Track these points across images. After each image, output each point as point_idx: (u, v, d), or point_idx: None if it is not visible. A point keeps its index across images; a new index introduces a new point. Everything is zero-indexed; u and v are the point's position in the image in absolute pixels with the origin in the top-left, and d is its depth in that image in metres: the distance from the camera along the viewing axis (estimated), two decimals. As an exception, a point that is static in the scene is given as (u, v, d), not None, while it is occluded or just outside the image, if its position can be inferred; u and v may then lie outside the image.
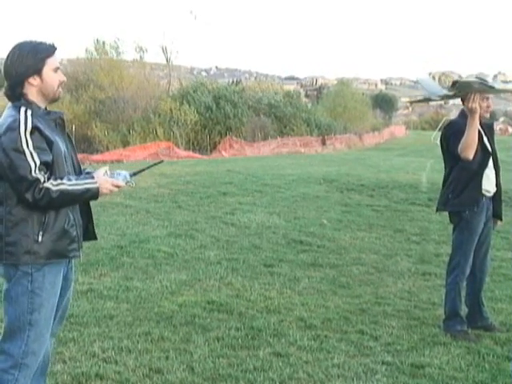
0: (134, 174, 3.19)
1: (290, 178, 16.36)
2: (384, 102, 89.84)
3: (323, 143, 39.64)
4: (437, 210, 5.31)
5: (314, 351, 4.57)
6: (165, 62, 49.21)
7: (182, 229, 8.81)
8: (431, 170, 20.82)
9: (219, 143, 34.78)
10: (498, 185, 5.12)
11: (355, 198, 12.92)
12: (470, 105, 4.68)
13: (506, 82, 5.58)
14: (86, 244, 7.42)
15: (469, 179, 4.94)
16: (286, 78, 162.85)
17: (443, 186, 5.16)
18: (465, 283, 5.14)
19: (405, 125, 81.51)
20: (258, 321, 5.14)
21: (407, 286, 6.49)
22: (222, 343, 4.62)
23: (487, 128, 5.13)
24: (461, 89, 4.82)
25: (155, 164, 3.50)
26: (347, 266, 7.24)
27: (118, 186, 3.09)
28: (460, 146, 4.79)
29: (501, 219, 5.24)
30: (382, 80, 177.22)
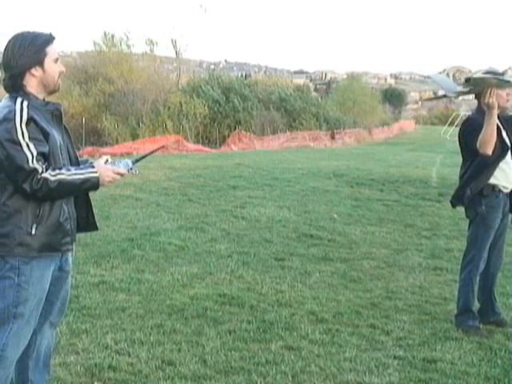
0: (136, 161, 3.15)
1: (299, 172, 16.35)
2: (393, 97, 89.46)
3: (332, 137, 39.53)
4: (453, 205, 5.27)
5: (325, 345, 4.57)
6: (174, 55, 49.18)
7: (192, 222, 8.83)
8: (441, 165, 20.76)
9: (228, 137, 34.75)
10: None
11: (365, 193, 12.90)
12: (486, 100, 4.65)
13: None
14: (97, 236, 7.49)
15: (484, 173, 4.91)
16: (296, 72, 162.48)
17: (460, 180, 5.12)
18: (478, 278, 5.13)
19: (414, 119, 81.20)
20: (270, 314, 5.14)
21: (418, 280, 6.48)
22: (234, 336, 4.63)
23: (505, 121, 5.09)
24: (475, 85, 4.81)
25: (156, 150, 3.60)
26: (358, 260, 7.23)
27: (120, 174, 3.03)
28: (478, 143, 4.76)
29: None
30: (391, 74, 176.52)
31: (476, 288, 5.05)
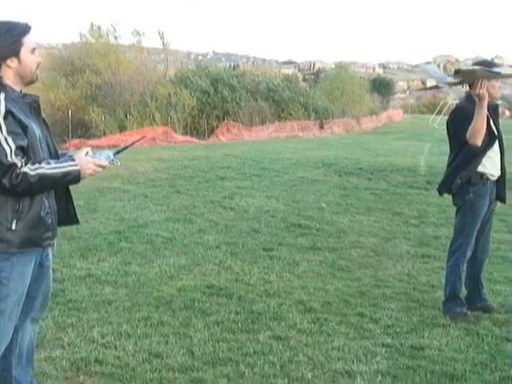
0: (117, 153, 3.10)
1: (288, 162, 16.34)
2: (382, 86, 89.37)
3: (321, 127, 39.50)
4: (440, 193, 5.28)
5: (313, 334, 4.56)
6: (162, 46, 48.90)
7: (180, 213, 8.79)
8: (429, 154, 20.81)
9: (217, 128, 34.65)
10: (502, 168, 5.09)
11: (354, 182, 12.91)
12: (477, 91, 4.64)
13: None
14: (83, 229, 7.43)
15: (472, 162, 4.91)
16: (284, 63, 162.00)
17: (448, 169, 5.12)
18: (465, 265, 5.14)
19: (402, 108, 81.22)
20: (258, 304, 5.13)
21: (406, 268, 6.49)
22: (222, 327, 4.61)
23: (492, 110, 5.09)
24: (465, 76, 4.81)
25: (137, 140, 3.51)
26: (346, 249, 7.23)
27: (101, 166, 2.98)
28: (468, 133, 4.75)
29: (505, 202, 5.22)
30: (379, 64, 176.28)
31: (463, 275, 5.05)
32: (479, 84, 4.60)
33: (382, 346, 4.39)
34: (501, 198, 5.15)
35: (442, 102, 59.66)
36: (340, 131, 40.93)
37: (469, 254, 5.01)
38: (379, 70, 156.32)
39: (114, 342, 4.24)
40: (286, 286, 5.69)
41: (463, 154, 4.91)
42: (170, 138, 27.50)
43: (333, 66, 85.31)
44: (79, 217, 3.27)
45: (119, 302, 5.07)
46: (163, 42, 47.68)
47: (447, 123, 5.06)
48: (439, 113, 53.11)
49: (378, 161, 17.06)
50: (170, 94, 37.19)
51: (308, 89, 53.59)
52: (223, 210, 9.25)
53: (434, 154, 20.12)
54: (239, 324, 4.68)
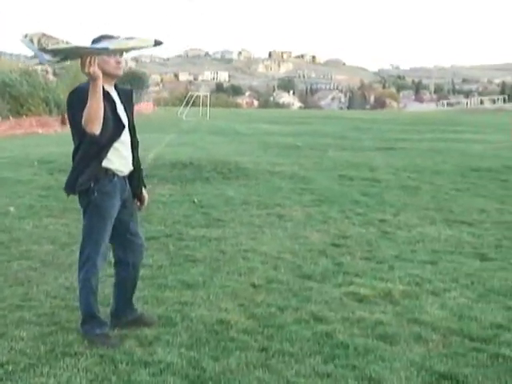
0: None
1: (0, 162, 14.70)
2: (134, 80, 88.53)
3: (63, 123, 37.33)
4: (67, 194, 4.39)
5: None
6: None
7: None
8: (168, 145, 20.25)
9: None
10: (135, 163, 4.36)
11: (62, 181, 11.68)
12: (86, 70, 3.76)
13: (129, 38, 4.67)
14: None
15: (96, 155, 4.09)
16: (33, 57, 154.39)
17: (72, 164, 4.25)
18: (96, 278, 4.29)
19: (155, 101, 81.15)
20: None
21: (69, 280, 5.55)
22: None
23: (124, 95, 4.30)
24: (65, 55, 3.90)
25: None
26: (8, 262, 6.12)
27: None
28: (83, 120, 3.88)
29: (141, 201, 4.52)
30: (132, 58, 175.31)
31: (96, 290, 4.23)
32: (88, 61, 3.73)
33: (-22, 396, 3.40)
34: (137, 196, 4.45)
35: (189, 94, 60.53)
36: (84, 126, 39.05)
37: (100, 263, 4.19)
38: (131, 64, 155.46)
39: None
40: None
41: (85, 146, 4.06)
42: None
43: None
44: None
45: None
46: None
47: (67, 108, 4.17)
48: (187, 104, 53.91)
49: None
50: None
51: (56, 83, 50.66)
52: None
53: (172, 146, 19.69)
54: None
